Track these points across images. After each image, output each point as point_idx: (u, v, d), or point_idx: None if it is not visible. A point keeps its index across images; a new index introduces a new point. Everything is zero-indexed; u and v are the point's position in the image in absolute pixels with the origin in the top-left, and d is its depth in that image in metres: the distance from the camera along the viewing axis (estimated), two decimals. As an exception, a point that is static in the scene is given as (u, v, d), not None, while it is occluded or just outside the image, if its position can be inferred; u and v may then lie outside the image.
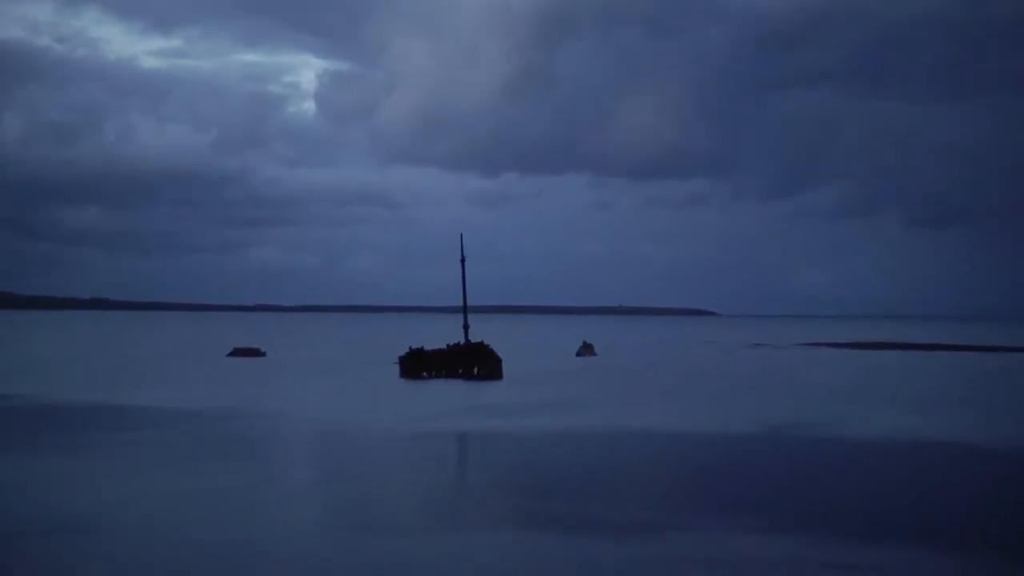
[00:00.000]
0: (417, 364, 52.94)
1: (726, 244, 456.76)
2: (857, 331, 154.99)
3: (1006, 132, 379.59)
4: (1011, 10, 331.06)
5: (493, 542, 16.04)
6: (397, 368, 54.99)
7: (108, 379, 49.23)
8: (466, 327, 75.66)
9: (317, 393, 43.32)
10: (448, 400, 40.56)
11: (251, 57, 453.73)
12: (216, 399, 39.60)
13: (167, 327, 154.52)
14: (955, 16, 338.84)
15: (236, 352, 69.74)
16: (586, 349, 76.94)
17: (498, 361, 52.44)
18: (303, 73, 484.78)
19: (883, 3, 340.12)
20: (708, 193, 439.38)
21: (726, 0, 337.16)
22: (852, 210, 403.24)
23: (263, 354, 69.51)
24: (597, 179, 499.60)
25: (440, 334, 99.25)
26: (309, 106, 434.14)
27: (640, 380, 53.18)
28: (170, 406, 36.69)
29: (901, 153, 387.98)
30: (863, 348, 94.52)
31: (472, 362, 52.37)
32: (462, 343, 55.26)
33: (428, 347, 55.19)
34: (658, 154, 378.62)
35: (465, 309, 76.28)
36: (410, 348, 54.74)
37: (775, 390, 46.32)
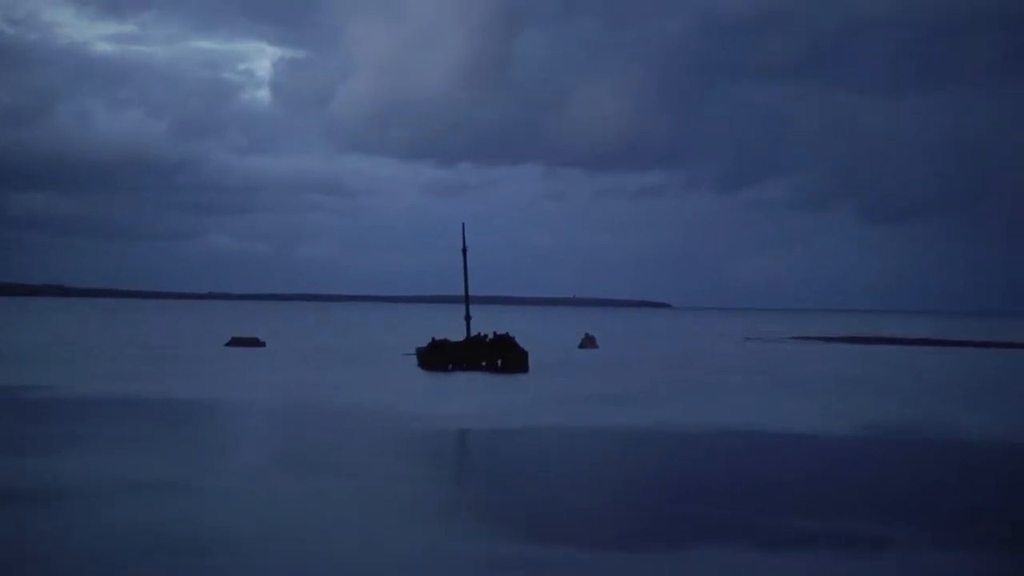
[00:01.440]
0: (440, 356, 51.25)
1: (680, 236, 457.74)
2: (824, 325, 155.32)
3: (961, 126, 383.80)
4: (965, 4, 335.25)
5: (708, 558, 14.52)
6: (413, 359, 53.54)
7: (115, 368, 47.12)
8: (468, 318, 74.10)
9: (351, 385, 41.44)
10: (498, 393, 39.02)
11: (206, 44, 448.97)
12: (253, 391, 37.77)
13: (134, 315, 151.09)
14: (910, 9, 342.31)
15: (235, 342, 67.54)
16: (588, 341, 75.55)
17: (524, 354, 50.87)
18: (258, 60, 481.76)
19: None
20: (663, 184, 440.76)
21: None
22: (806, 202, 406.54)
23: (263, 344, 67.40)
24: (552, 169, 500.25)
25: (423, 324, 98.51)
26: (264, 93, 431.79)
27: (679, 375, 51.56)
28: (203, 397, 35.13)
29: (856, 146, 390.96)
30: (855, 343, 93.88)
31: (498, 355, 50.74)
32: (486, 335, 53.52)
33: (437, 338, 53.69)
34: (613, 145, 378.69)
35: (467, 300, 74.69)
36: (432, 339, 53.03)
37: (837, 387, 44.37)
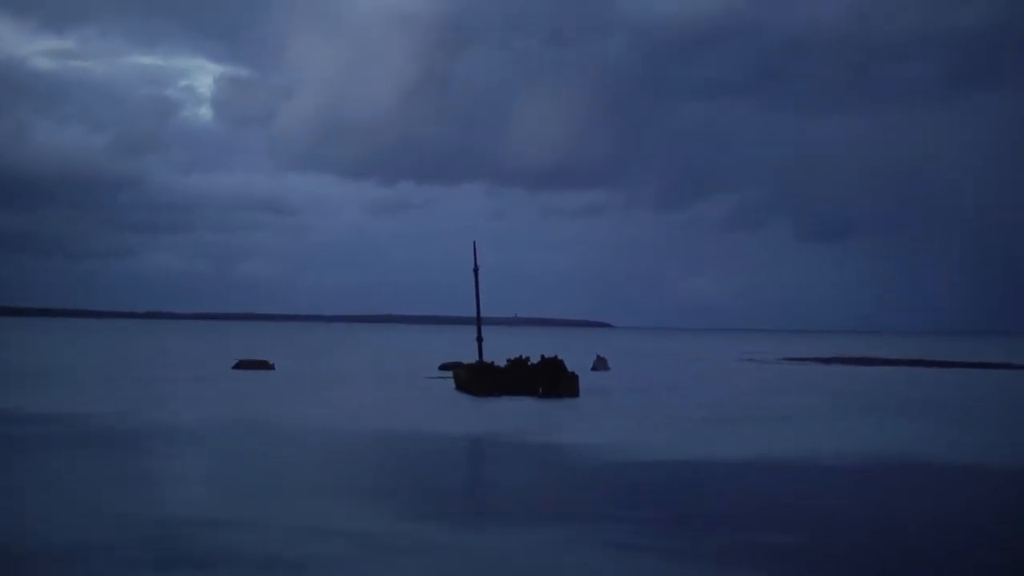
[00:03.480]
0: (487, 380, 48.98)
1: (620, 255, 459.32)
2: (781, 346, 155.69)
3: (899, 146, 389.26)
4: (902, 24, 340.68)
5: None
6: (440, 381, 51.43)
7: (128, 394, 44.34)
8: (479, 339, 71.88)
9: (416, 412, 39.16)
10: (590, 420, 36.89)
11: (147, 60, 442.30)
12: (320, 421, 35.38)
13: (87, 336, 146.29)
14: (848, 29, 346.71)
15: (242, 364, 64.67)
16: (601, 363, 73.62)
17: (575, 378, 48.77)
18: (200, 77, 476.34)
19: (778, 15, 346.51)
20: (603, 203, 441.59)
21: (625, 10, 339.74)
22: (745, 221, 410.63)
23: (272, 367, 64.60)
24: (494, 188, 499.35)
25: (399, 345, 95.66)
26: (206, 111, 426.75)
27: (730, 397, 49.95)
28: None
29: (796, 165, 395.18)
30: (850, 364, 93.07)
31: (547, 379, 48.53)
32: (527, 358, 51.39)
33: (483, 361, 51.49)
34: (555, 163, 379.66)
35: (479, 322, 72.50)
36: (479, 362, 50.75)
37: (920, 411, 43.02)
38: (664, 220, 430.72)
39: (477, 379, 49.11)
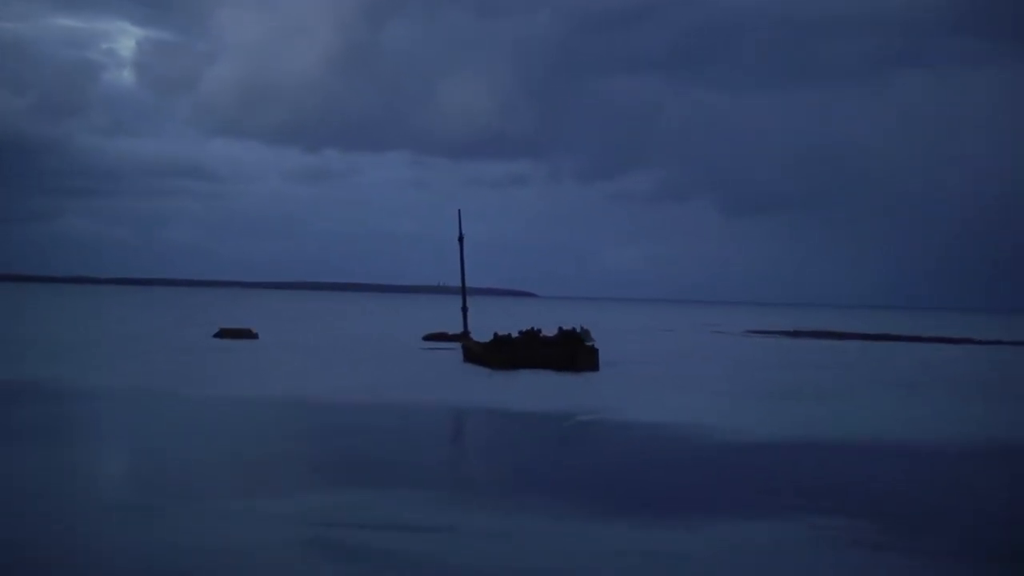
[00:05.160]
0: (506, 353, 47.44)
1: (544, 225, 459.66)
2: (720, 318, 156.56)
3: (823, 123, 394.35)
4: (828, 5, 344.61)
5: None
6: (436, 352, 49.90)
7: (139, 365, 42.28)
8: (465, 310, 70.36)
9: (451, 386, 37.72)
10: (652, 394, 35.77)
11: (68, 22, 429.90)
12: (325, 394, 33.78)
13: (24, 300, 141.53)
14: (776, 8, 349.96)
15: (225, 333, 62.39)
16: (585, 335, 72.28)
17: (595, 351, 47.53)
18: (122, 40, 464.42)
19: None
20: (527, 174, 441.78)
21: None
22: (669, 194, 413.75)
23: (256, 336, 62.44)
24: (418, 157, 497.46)
25: (359, 313, 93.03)
26: (128, 74, 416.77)
27: (752, 371, 49.25)
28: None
29: (720, 141, 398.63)
30: (818, 338, 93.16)
31: (567, 352, 47.16)
32: (539, 329, 50.07)
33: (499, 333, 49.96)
34: (480, 134, 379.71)
35: (464, 291, 71.00)
36: (495, 334, 49.24)
37: (951, 388, 42.92)
38: (588, 192, 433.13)
39: (495, 352, 47.55)
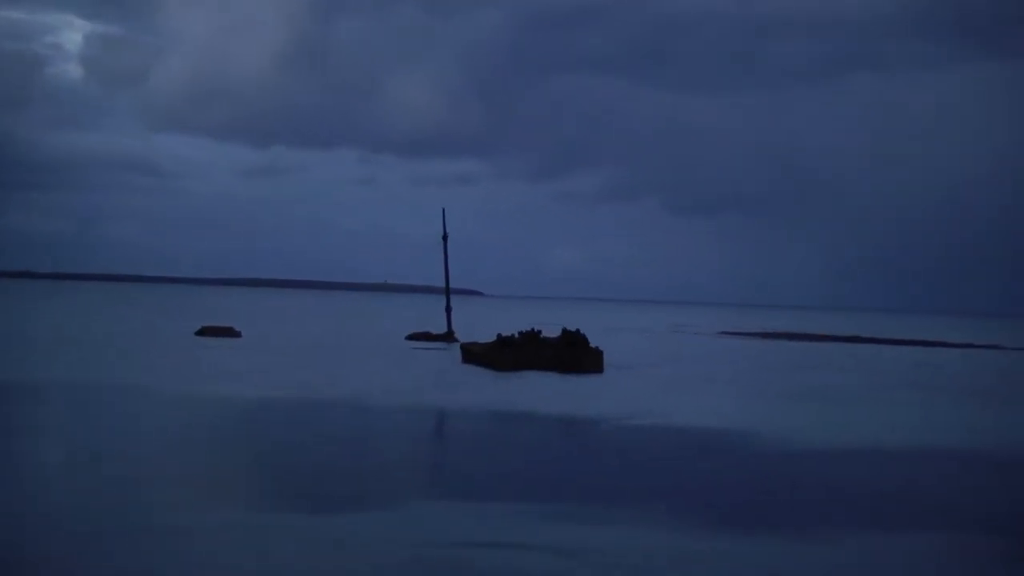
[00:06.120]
0: (510, 354, 46.40)
1: (492, 224, 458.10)
2: (673, 316, 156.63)
3: (773, 124, 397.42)
4: (781, 6, 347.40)
5: None
6: (438, 353, 48.87)
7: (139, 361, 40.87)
8: (448, 310, 69.37)
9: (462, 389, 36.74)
10: (681, 396, 34.86)
11: (12, 14, 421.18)
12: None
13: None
14: (728, 9, 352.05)
15: (206, 331, 60.77)
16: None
17: (600, 353, 46.64)
18: (68, 34, 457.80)
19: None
20: (475, 173, 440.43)
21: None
22: (616, 194, 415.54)
23: (238, 334, 60.90)
24: (366, 155, 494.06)
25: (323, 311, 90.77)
26: (74, 68, 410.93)
27: (747, 371, 48.65)
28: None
29: (669, 141, 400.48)
30: (782, 339, 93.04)
31: (570, 353, 46.20)
32: (539, 331, 49.15)
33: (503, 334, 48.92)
34: (428, 132, 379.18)
35: (448, 291, 69.98)
36: (499, 335, 48.18)
37: (934, 392, 42.54)
38: (536, 191, 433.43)
39: (499, 353, 46.51)
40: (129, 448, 21.16)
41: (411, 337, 67.24)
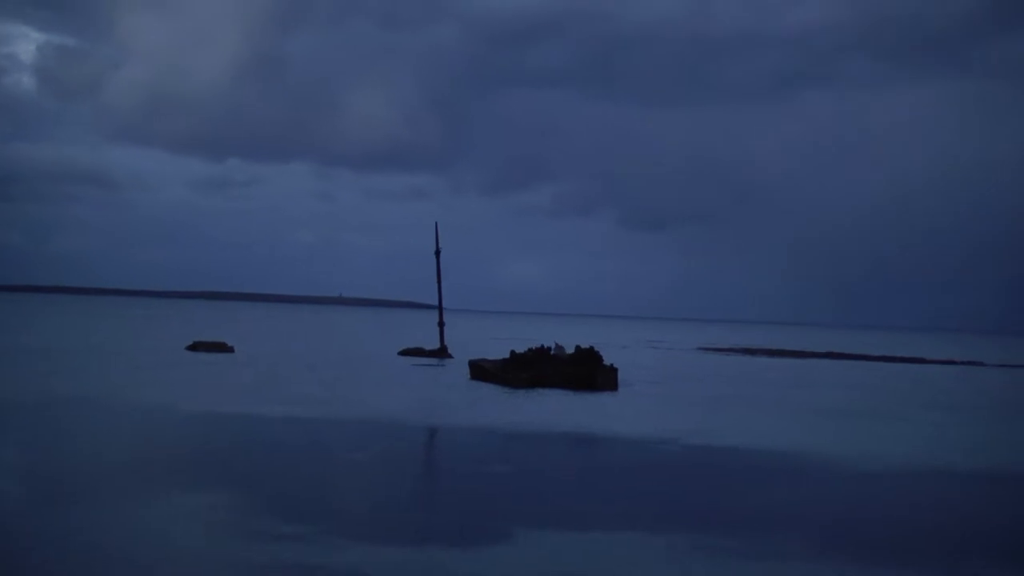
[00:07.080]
0: (524, 371, 45.69)
1: (446, 239, 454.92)
2: (643, 333, 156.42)
3: (727, 140, 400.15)
4: (734, 22, 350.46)
5: None
6: (432, 370, 48.11)
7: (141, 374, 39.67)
8: (441, 324, 68.48)
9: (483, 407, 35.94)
10: (711, 416, 34.27)
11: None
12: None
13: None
14: (683, 24, 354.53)
15: (198, 346, 59.48)
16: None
17: (615, 371, 46.05)
18: (22, 45, 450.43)
19: (615, 7, 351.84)
20: (429, 188, 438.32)
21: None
22: (571, 209, 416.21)
23: (231, 349, 59.65)
24: (321, 169, 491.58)
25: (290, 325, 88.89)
26: (28, 79, 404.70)
27: (747, 390, 48.22)
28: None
29: (623, 156, 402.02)
30: (763, 355, 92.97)
31: (584, 371, 45.57)
32: (549, 347, 48.67)
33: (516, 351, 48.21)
34: (383, 146, 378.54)
35: (440, 306, 69.06)
36: (512, 352, 47.43)
37: (981, 412, 42.40)
38: (490, 206, 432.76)
39: (513, 370, 45.78)
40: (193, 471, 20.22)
41: (404, 353, 66.32)
